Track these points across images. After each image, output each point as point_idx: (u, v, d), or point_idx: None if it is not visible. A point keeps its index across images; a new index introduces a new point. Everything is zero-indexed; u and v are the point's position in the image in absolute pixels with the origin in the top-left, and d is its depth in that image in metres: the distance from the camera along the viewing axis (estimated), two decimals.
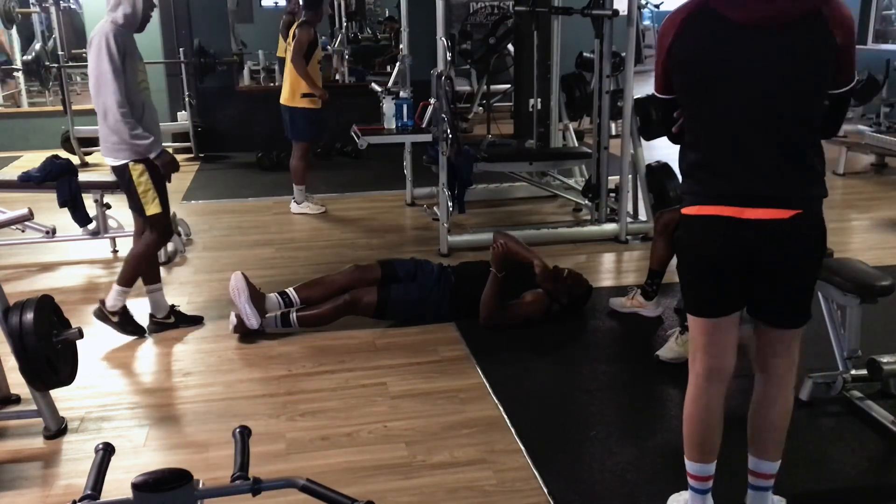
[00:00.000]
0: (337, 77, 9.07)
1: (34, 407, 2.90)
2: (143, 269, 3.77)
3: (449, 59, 4.86)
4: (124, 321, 3.77)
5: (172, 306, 3.94)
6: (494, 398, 3.15)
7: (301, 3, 6.23)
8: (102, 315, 3.74)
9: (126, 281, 3.73)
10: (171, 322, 3.89)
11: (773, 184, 1.99)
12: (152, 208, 3.60)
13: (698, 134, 2.11)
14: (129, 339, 3.80)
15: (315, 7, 6.00)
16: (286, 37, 8.32)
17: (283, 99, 5.98)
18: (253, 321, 3.69)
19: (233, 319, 3.75)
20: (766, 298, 2.12)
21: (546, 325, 3.85)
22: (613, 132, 5.67)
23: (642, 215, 5.40)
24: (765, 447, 2.31)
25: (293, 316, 3.77)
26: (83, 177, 4.99)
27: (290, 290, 3.86)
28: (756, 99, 1.96)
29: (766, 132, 1.98)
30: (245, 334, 3.77)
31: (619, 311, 4.01)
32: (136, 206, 3.63)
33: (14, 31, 9.00)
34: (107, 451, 1.86)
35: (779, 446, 2.29)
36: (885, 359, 2.91)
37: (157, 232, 3.72)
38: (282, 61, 8.76)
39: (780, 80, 1.94)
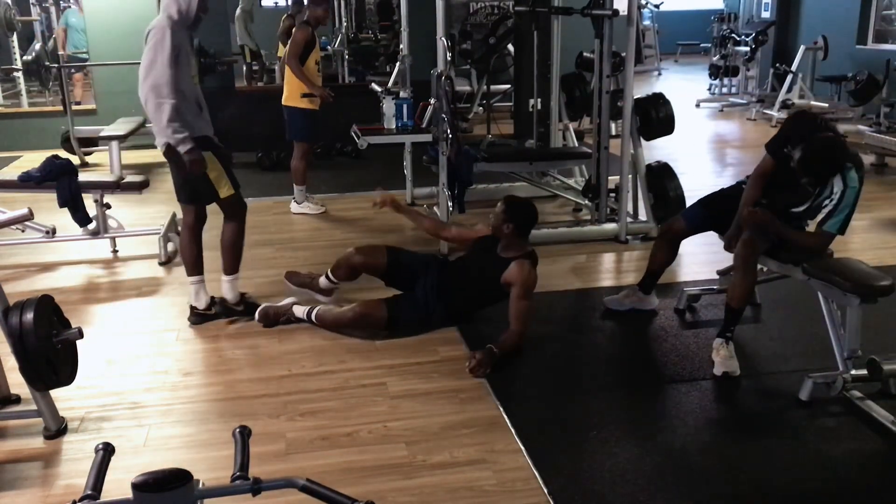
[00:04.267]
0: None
1: (34, 407, 2.90)
2: (239, 252, 3.95)
3: (449, 59, 4.86)
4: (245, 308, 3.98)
5: (213, 298, 4.02)
6: (494, 398, 3.15)
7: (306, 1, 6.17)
8: (228, 311, 3.96)
9: (230, 268, 3.94)
10: (213, 313, 3.99)
11: None
12: (225, 191, 3.75)
13: None
14: (128, 339, 3.81)
15: (320, 3, 5.97)
16: (285, 42, 8.34)
17: (284, 99, 5.98)
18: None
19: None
20: None
21: (547, 325, 3.86)
22: (613, 132, 5.67)
23: (642, 215, 5.40)
24: None
25: (314, 314, 3.83)
26: (83, 177, 4.98)
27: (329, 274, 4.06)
28: None
29: None
30: (245, 334, 3.79)
31: (618, 310, 4.00)
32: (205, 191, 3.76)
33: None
34: (107, 451, 1.86)
35: None
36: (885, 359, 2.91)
37: (237, 215, 3.88)
38: (281, 61, 8.77)
39: None
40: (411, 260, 3.97)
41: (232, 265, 3.95)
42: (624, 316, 3.97)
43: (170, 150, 3.59)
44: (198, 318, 3.92)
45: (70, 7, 9.17)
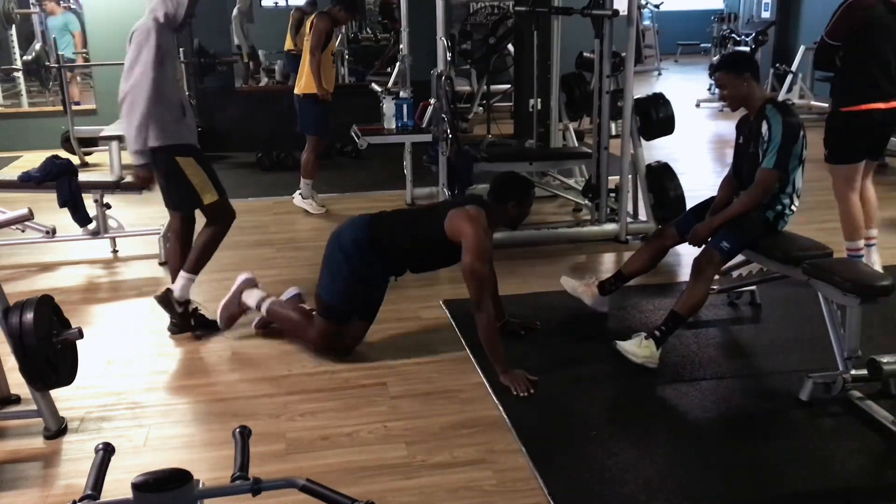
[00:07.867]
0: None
1: (34, 407, 2.90)
2: (207, 257, 3.77)
3: (449, 59, 4.86)
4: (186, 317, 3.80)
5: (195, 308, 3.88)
6: (494, 398, 3.15)
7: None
8: (167, 302, 3.75)
9: (191, 266, 3.73)
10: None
11: None
12: (208, 197, 3.65)
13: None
14: (128, 339, 3.81)
15: (349, 6, 5.92)
16: (295, 34, 8.32)
17: (296, 88, 5.92)
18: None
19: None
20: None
21: (547, 325, 3.85)
22: (613, 132, 5.67)
23: (642, 215, 5.40)
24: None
25: (264, 307, 3.73)
26: (83, 177, 4.99)
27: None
28: None
29: None
30: (246, 334, 3.80)
31: (568, 292, 4.03)
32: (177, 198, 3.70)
33: (13, 31, 9.02)
34: (107, 451, 1.86)
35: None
36: (885, 359, 2.91)
37: (220, 219, 3.74)
38: (287, 55, 8.76)
39: None
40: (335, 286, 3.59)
41: (194, 264, 3.74)
42: (624, 316, 3.97)
43: (153, 155, 3.56)
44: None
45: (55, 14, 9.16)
